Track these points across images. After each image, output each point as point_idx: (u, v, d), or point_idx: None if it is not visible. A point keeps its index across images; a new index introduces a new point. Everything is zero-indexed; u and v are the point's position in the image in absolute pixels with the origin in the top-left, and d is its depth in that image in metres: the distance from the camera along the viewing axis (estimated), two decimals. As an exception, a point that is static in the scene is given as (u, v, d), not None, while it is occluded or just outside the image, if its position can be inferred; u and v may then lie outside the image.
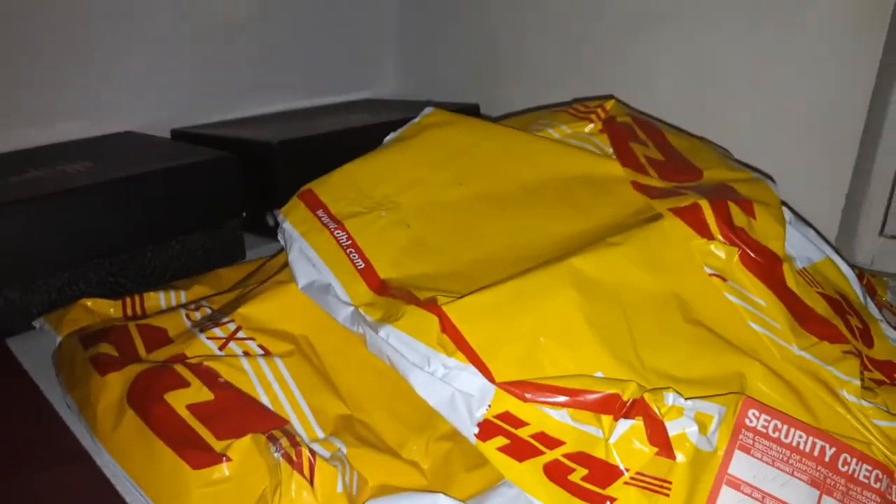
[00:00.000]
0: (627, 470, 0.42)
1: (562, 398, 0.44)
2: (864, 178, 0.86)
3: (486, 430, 0.44)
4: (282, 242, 0.61)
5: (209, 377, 0.49)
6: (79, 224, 0.70)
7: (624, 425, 0.42)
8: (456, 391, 0.45)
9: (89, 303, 0.65)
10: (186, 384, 0.48)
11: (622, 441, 0.42)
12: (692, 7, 0.89)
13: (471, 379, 0.45)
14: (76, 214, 0.70)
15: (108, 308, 0.66)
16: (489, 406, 0.44)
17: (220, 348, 0.53)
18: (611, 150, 0.66)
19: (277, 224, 0.62)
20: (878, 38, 0.77)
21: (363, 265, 0.56)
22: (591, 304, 0.49)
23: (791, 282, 0.53)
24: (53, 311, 0.65)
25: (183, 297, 0.68)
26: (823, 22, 0.80)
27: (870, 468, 0.45)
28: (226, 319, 0.55)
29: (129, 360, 0.53)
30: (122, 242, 0.74)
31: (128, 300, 0.67)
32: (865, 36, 0.78)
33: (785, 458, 0.43)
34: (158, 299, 0.67)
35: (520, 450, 0.43)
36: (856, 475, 0.44)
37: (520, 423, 0.44)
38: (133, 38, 0.94)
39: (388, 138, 0.68)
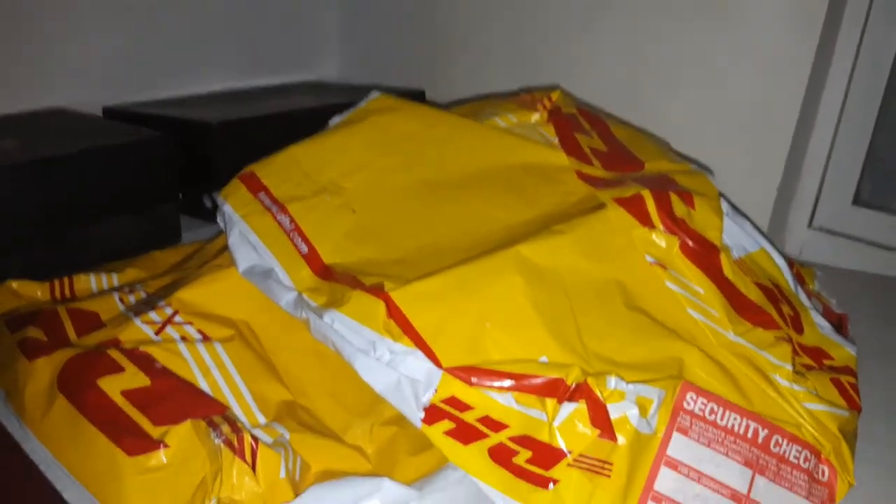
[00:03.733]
0: (570, 452, 0.43)
1: (507, 382, 0.44)
2: (795, 172, 0.90)
3: (432, 414, 0.44)
4: (221, 225, 0.60)
5: (145, 362, 0.48)
6: (3, 204, 0.67)
7: (567, 409, 0.43)
8: (402, 376, 0.45)
9: (15, 285, 0.62)
10: (121, 369, 0.47)
11: (566, 424, 0.43)
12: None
13: (417, 364, 0.45)
14: (2, 193, 0.66)
15: (36, 291, 0.63)
16: (435, 390, 0.44)
17: (157, 333, 0.51)
18: (556, 140, 0.67)
19: (216, 206, 0.60)
20: (812, 35, 0.80)
21: (307, 250, 0.55)
22: (536, 290, 0.49)
23: (728, 271, 0.54)
24: (-24, 294, 0.62)
25: (115, 280, 0.66)
26: (761, 17, 0.82)
27: (799, 449, 0.46)
28: (162, 303, 0.54)
29: (59, 345, 0.51)
30: (51, 224, 0.70)
31: (56, 283, 0.64)
32: (801, 33, 0.80)
33: (720, 440, 0.45)
34: (89, 282, 0.65)
35: (465, 433, 0.43)
36: (786, 455, 0.46)
37: (465, 407, 0.44)
38: (63, 8, 0.90)
39: (332, 121, 0.67)
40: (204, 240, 0.71)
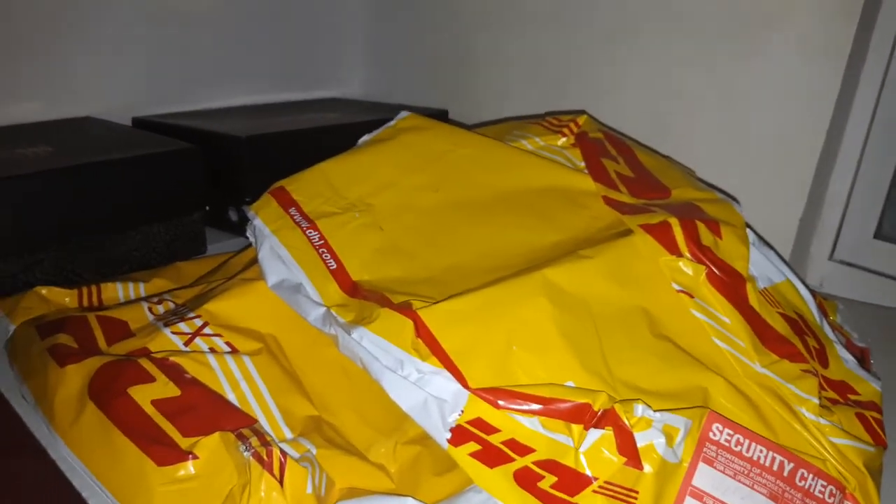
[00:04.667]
0: (596, 479, 0.43)
1: (534, 406, 0.44)
2: (817, 205, 0.90)
3: (459, 435, 0.44)
4: (251, 239, 0.60)
5: (175, 372, 0.48)
6: (36, 209, 0.68)
7: (594, 435, 0.43)
8: (429, 395, 0.45)
9: (44, 291, 0.63)
10: (152, 379, 0.47)
11: (592, 450, 0.43)
12: (661, 26, 0.91)
13: (445, 384, 0.45)
14: (34, 199, 0.68)
15: (64, 297, 0.64)
16: (462, 411, 0.44)
17: (186, 344, 0.52)
18: (582, 164, 0.67)
19: (241, 219, 0.61)
20: (838, 67, 0.80)
21: (335, 266, 0.55)
22: (562, 314, 0.49)
23: (754, 301, 0.54)
24: (7, 299, 0.63)
25: (142, 289, 0.66)
26: (786, 49, 0.83)
27: (825, 483, 0.46)
28: (192, 315, 0.54)
29: (90, 352, 0.51)
30: (80, 230, 0.71)
31: (84, 290, 0.65)
32: (826, 65, 0.81)
33: (746, 472, 0.45)
34: (116, 290, 0.66)
35: (491, 456, 0.43)
36: (812, 490, 0.46)
37: (492, 430, 0.44)
38: (94, 20, 0.92)
39: (362, 139, 0.68)
40: (228, 252, 0.72)
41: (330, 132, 0.92)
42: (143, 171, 0.76)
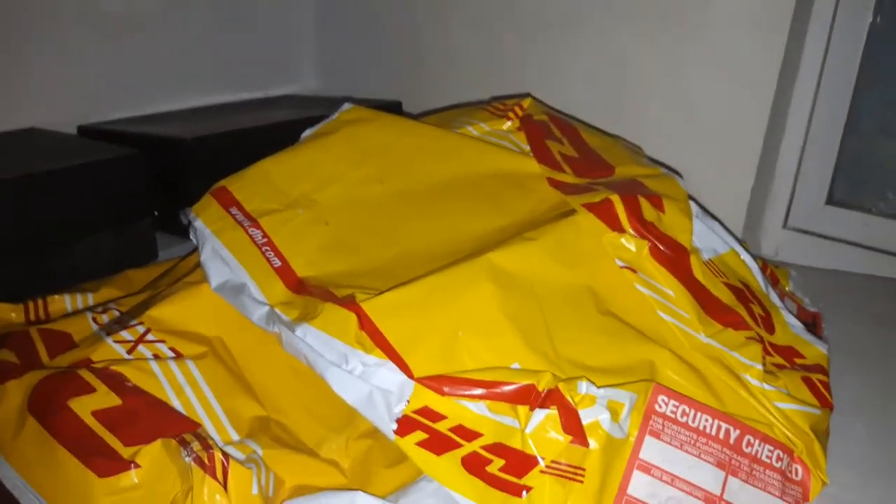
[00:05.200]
0: (543, 459, 0.43)
1: (479, 391, 0.44)
2: (768, 174, 0.90)
3: (405, 425, 0.44)
4: (194, 241, 0.60)
5: (116, 382, 0.47)
6: (-24, 224, 0.67)
7: (539, 415, 0.43)
8: (374, 388, 0.45)
9: (-12, 308, 0.62)
10: (92, 390, 0.46)
11: (538, 431, 0.43)
12: (604, 8, 0.91)
13: (389, 375, 0.45)
14: (-27, 214, 0.66)
15: (10, 312, 0.62)
16: (408, 401, 0.44)
17: (129, 352, 0.51)
18: (528, 148, 0.67)
19: (190, 223, 0.60)
20: (779, 40, 0.81)
21: (280, 263, 0.55)
22: (507, 297, 0.49)
23: (698, 272, 0.55)
24: (-52, 318, 0.62)
25: (90, 299, 0.65)
26: (727, 23, 0.83)
27: (772, 448, 0.47)
28: (134, 322, 0.53)
29: (31, 367, 0.50)
30: (24, 244, 0.70)
31: (30, 304, 0.63)
32: (767, 38, 0.81)
33: (692, 442, 0.45)
34: (64, 302, 0.64)
35: (438, 443, 0.43)
36: (759, 456, 0.46)
37: (438, 417, 0.44)
38: (36, 30, 0.90)
39: (304, 134, 0.67)
40: (179, 257, 0.71)
41: (278, 129, 0.90)
42: (87, 180, 0.75)
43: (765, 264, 0.72)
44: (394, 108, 1.07)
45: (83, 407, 0.45)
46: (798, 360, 0.55)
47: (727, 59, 0.84)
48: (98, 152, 0.79)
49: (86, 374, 0.48)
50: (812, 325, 0.65)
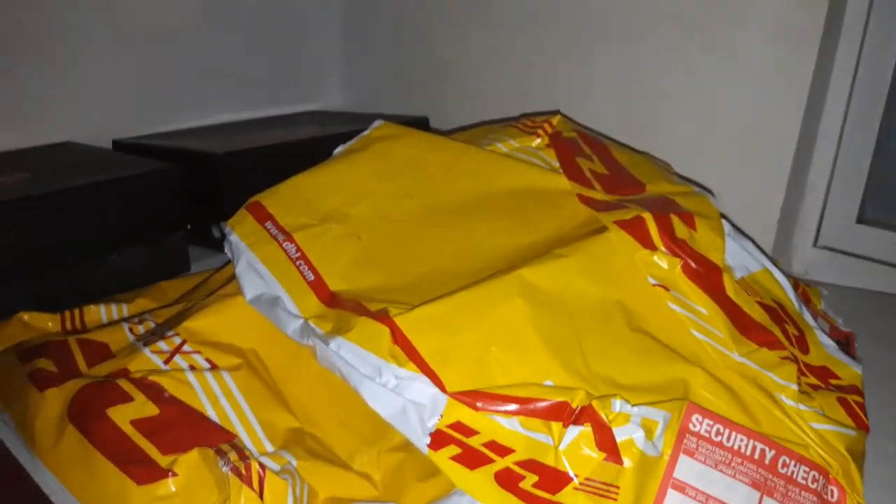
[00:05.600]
0: (577, 476, 0.43)
1: (512, 406, 0.44)
2: (798, 193, 0.90)
3: (438, 439, 0.44)
4: (228, 255, 0.60)
5: (154, 392, 0.48)
6: (15, 237, 0.68)
7: (573, 432, 0.43)
8: (407, 402, 0.45)
9: (26, 317, 0.63)
10: (130, 399, 0.47)
11: (571, 448, 0.43)
12: (630, 24, 0.92)
13: (423, 389, 0.45)
14: (11, 227, 0.68)
15: (47, 322, 0.64)
16: (441, 416, 0.44)
17: (165, 362, 0.52)
18: (557, 165, 0.68)
19: (223, 236, 0.61)
20: (809, 57, 0.80)
21: (313, 277, 0.55)
22: (539, 313, 0.49)
23: (731, 291, 0.55)
24: (-12, 327, 0.63)
25: (125, 310, 0.66)
26: (757, 41, 0.83)
27: (807, 469, 0.46)
28: (171, 333, 0.54)
29: (70, 376, 0.51)
30: (61, 256, 0.71)
31: (67, 314, 0.65)
32: (798, 55, 0.81)
33: (727, 461, 0.45)
34: (99, 313, 0.66)
35: (471, 458, 0.43)
36: (794, 476, 0.46)
37: (471, 432, 0.44)
38: (70, 46, 0.92)
39: (337, 150, 0.68)
40: (212, 269, 0.72)
41: (308, 145, 0.92)
42: (122, 194, 0.76)
43: (796, 283, 0.72)
44: (421, 124, 1.08)
45: (122, 416, 0.46)
46: (833, 381, 0.55)
47: (757, 75, 0.84)
48: (133, 166, 0.80)
49: (124, 384, 0.49)
50: (845, 344, 0.64)
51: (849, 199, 0.90)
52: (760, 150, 0.86)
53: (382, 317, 0.48)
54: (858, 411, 0.53)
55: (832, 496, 0.47)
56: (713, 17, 0.85)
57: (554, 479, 0.43)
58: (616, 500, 0.42)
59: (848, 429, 0.50)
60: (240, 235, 0.59)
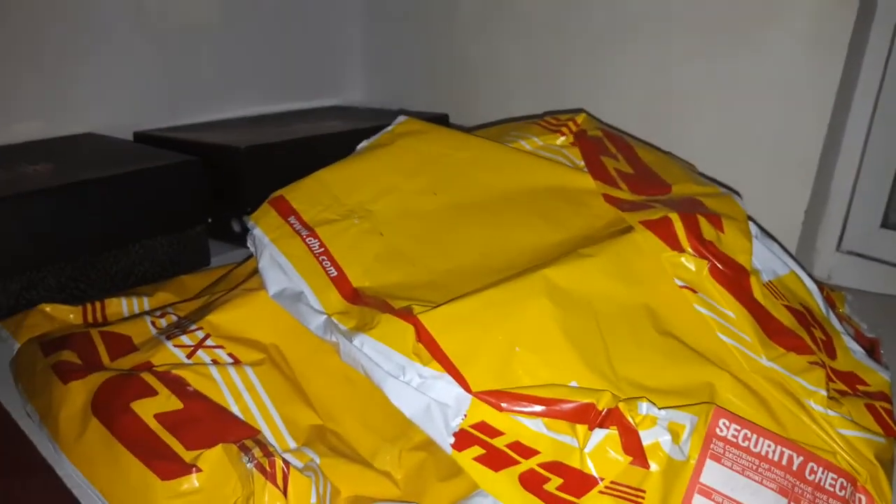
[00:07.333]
0: (602, 479, 0.42)
1: (537, 408, 0.44)
2: (822, 196, 0.89)
3: (462, 439, 0.44)
4: (251, 249, 0.60)
5: (177, 386, 0.48)
6: (38, 227, 0.68)
7: (599, 435, 0.43)
8: (431, 401, 0.45)
9: (48, 308, 0.63)
10: (154, 393, 0.47)
11: (597, 450, 0.43)
12: (657, 22, 0.91)
13: (447, 388, 0.45)
14: (36, 217, 0.68)
15: (68, 314, 0.64)
16: (465, 416, 0.44)
17: (188, 356, 0.52)
18: (582, 163, 0.67)
19: (244, 230, 0.61)
20: (837, 62, 0.79)
21: (336, 273, 0.55)
22: (564, 314, 0.49)
23: (758, 294, 0.54)
24: (11, 317, 0.63)
25: (146, 303, 0.67)
26: (785, 41, 0.82)
27: (835, 476, 0.46)
28: (193, 327, 0.54)
29: (93, 368, 0.51)
30: (83, 247, 0.72)
31: (88, 306, 0.65)
32: (825, 59, 0.80)
33: (755, 467, 0.44)
34: (120, 305, 0.66)
35: (495, 459, 0.43)
36: (822, 483, 0.45)
37: (495, 433, 0.44)
38: (92, 38, 0.92)
39: (360, 146, 0.68)
40: (232, 263, 0.72)
41: (330, 140, 0.92)
42: (144, 186, 0.76)
43: (821, 287, 0.71)
44: (441, 120, 1.07)
45: (146, 409, 0.46)
46: (861, 387, 0.54)
47: (783, 77, 0.83)
48: (155, 158, 0.80)
49: (148, 378, 0.48)
50: (870, 350, 0.63)
51: (874, 203, 0.89)
52: (785, 153, 0.85)
53: (406, 314, 0.48)
54: (887, 418, 0.52)
55: (860, 504, 0.46)
56: (743, 17, 0.84)
57: (579, 482, 0.42)
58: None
59: (877, 436, 0.49)
60: (263, 230, 0.59)
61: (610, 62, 0.96)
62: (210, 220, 0.83)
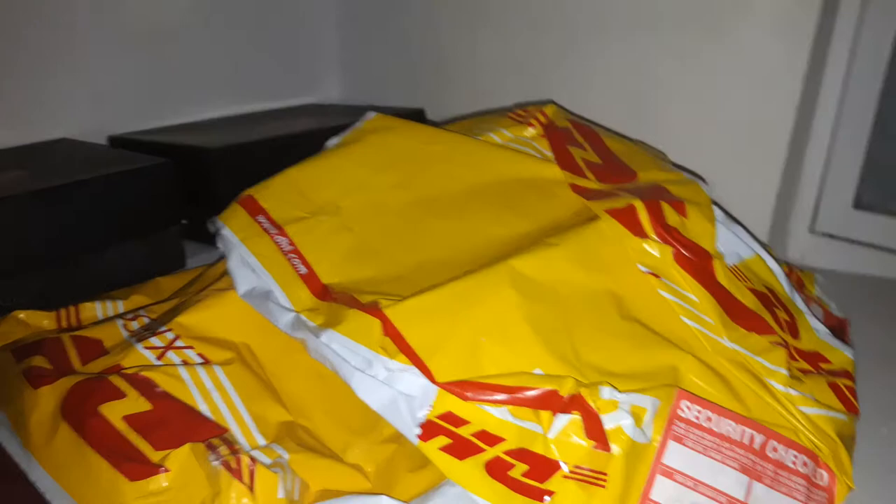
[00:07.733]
0: (566, 464, 0.43)
1: (502, 396, 0.44)
2: (794, 179, 0.90)
3: (428, 430, 0.44)
4: (221, 249, 0.61)
5: (146, 387, 0.48)
6: (12, 234, 0.68)
7: (562, 420, 0.43)
8: (398, 393, 0.45)
9: (22, 315, 0.63)
10: (122, 395, 0.47)
11: (560, 436, 0.43)
12: (627, 13, 0.91)
13: (413, 380, 0.45)
14: (8, 224, 0.68)
15: (42, 320, 0.64)
16: (431, 406, 0.45)
17: (158, 358, 0.52)
18: (551, 154, 0.68)
19: (218, 231, 0.61)
20: (804, 43, 0.80)
21: (305, 271, 0.56)
22: (529, 303, 0.50)
23: (722, 277, 0.55)
24: (-16, 325, 0.63)
25: (121, 306, 0.67)
26: (753, 28, 0.83)
27: (796, 454, 0.46)
28: (164, 328, 0.54)
29: (63, 373, 0.51)
30: (57, 252, 0.72)
31: (63, 312, 0.65)
32: (793, 42, 0.81)
33: (717, 447, 0.45)
34: (95, 310, 0.66)
35: (461, 448, 0.44)
36: (784, 461, 0.46)
37: (461, 422, 0.44)
38: (64, 43, 0.92)
39: (329, 143, 0.68)
40: (206, 264, 0.72)
41: (303, 138, 0.92)
42: (117, 189, 0.76)
43: (790, 268, 0.72)
44: (416, 116, 1.08)
45: (114, 412, 0.46)
46: (824, 366, 0.55)
47: (751, 61, 0.84)
48: (128, 162, 0.80)
49: (116, 380, 0.49)
50: (839, 329, 0.64)
51: (845, 184, 0.90)
52: (755, 136, 0.85)
53: (373, 309, 0.48)
54: (849, 395, 0.53)
55: (822, 480, 0.47)
56: (709, 6, 0.85)
57: (543, 468, 0.43)
58: (605, 487, 0.42)
59: (838, 413, 0.50)
60: (232, 229, 0.59)
61: (584, 53, 0.97)
62: (186, 222, 0.83)
